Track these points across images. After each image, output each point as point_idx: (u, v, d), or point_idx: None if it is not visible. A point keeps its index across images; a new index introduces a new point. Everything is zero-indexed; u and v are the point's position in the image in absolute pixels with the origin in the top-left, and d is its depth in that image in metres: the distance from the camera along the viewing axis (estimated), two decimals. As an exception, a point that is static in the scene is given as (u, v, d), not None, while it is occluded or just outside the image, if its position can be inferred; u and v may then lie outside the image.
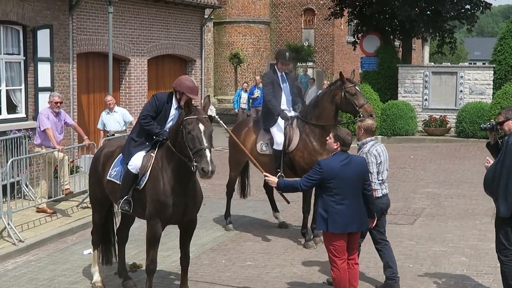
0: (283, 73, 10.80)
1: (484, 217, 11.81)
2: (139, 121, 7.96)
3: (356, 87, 10.15)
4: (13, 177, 11.89)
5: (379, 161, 7.96)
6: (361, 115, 10.09)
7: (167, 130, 7.77)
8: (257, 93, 23.33)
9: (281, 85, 10.66)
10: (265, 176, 7.60)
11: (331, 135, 7.26)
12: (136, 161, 7.72)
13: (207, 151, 6.97)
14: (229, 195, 11.45)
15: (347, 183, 7.07)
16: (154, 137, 7.81)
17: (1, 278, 9.06)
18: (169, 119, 7.88)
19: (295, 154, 10.37)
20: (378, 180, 7.96)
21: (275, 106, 10.53)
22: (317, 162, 7.22)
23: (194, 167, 7.00)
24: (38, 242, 10.55)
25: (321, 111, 10.25)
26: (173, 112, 7.89)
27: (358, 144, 8.16)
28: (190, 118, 7.10)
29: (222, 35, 38.25)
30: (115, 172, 8.03)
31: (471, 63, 31.80)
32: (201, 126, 7.07)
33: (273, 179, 7.42)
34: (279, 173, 10.41)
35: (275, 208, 11.53)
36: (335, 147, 7.19)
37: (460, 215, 12.06)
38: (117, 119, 13.78)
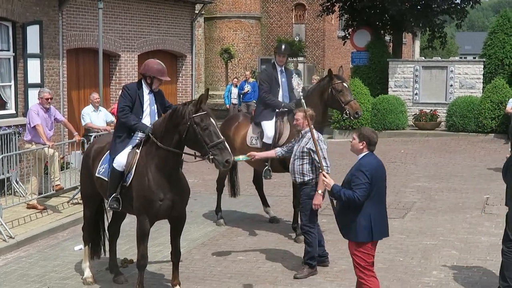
0: (283, 68, 10.81)
1: (474, 211, 11.87)
2: (118, 116, 7.97)
3: (344, 84, 10.17)
4: (3, 174, 11.87)
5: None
6: (347, 112, 10.12)
7: (147, 124, 7.76)
8: (247, 88, 23.34)
9: (280, 81, 10.68)
10: (322, 175, 6.88)
11: (354, 135, 6.70)
12: (121, 159, 7.73)
13: (226, 143, 7.14)
14: (220, 190, 11.47)
15: (383, 185, 6.76)
16: (136, 131, 7.80)
17: (-9, 274, 9.05)
18: (146, 105, 7.90)
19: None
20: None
21: (274, 101, 10.55)
22: (358, 167, 6.55)
23: (211, 160, 7.07)
24: (28, 239, 10.53)
25: (311, 106, 10.26)
26: (146, 97, 7.95)
27: (301, 133, 8.65)
28: (201, 115, 7.13)
29: (213, 30, 38.21)
30: (103, 169, 8.04)
31: (461, 57, 31.83)
32: (213, 120, 7.17)
33: (329, 181, 6.68)
34: (267, 167, 10.43)
35: (265, 203, 11.55)
36: (361, 147, 6.65)
37: (450, 208, 12.11)
38: (102, 117, 13.74)
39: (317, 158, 8.19)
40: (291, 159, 8.73)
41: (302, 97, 8.70)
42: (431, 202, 12.65)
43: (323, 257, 8.87)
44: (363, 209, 6.54)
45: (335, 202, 6.79)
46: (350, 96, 10.21)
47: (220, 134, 7.17)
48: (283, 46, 10.91)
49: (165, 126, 7.40)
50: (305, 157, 8.54)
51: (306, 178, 8.57)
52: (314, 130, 7.93)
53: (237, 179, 11.74)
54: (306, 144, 8.51)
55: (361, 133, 6.67)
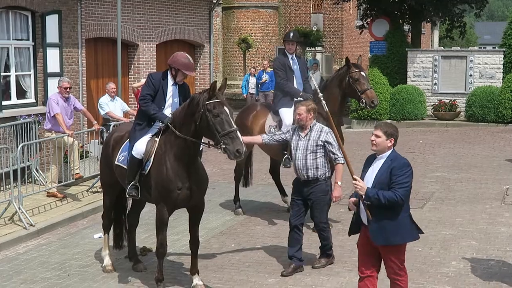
0: (294, 56, 10.78)
1: (493, 201, 11.80)
2: (139, 103, 7.98)
3: (361, 73, 10.10)
4: (23, 162, 11.96)
5: None
6: (364, 101, 10.08)
7: (166, 114, 7.77)
8: (265, 77, 23.30)
9: (293, 68, 10.65)
10: (354, 180, 6.20)
11: (378, 132, 6.17)
12: (140, 147, 7.75)
13: (238, 133, 7.02)
14: (237, 180, 11.49)
15: None
16: (156, 120, 7.82)
17: (12, 261, 9.14)
18: (168, 96, 7.90)
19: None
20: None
21: (292, 89, 10.52)
22: (405, 164, 6.12)
23: (223, 149, 7.00)
24: (48, 226, 10.64)
25: (329, 95, 10.24)
26: (170, 88, 7.93)
27: (310, 127, 8.35)
28: (214, 102, 7.06)
29: (231, 20, 38.14)
30: (123, 157, 8.08)
31: (481, 47, 31.62)
32: (227, 109, 7.07)
33: (362, 185, 6.11)
34: (286, 155, 10.42)
35: (283, 193, 11.54)
36: (390, 144, 6.20)
37: (469, 199, 12.05)
38: (119, 107, 13.78)
39: (332, 150, 8.20)
40: (300, 154, 8.29)
41: (317, 88, 8.53)
42: (450, 193, 12.59)
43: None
44: (404, 208, 6.18)
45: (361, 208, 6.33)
46: (367, 85, 10.14)
47: (232, 123, 7.05)
48: (291, 34, 10.89)
49: (184, 115, 7.38)
50: (319, 151, 8.27)
51: (320, 172, 8.28)
52: (320, 124, 8.13)
53: (251, 169, 11.74)
54: (319, 137, 8.27)
55: (387, 130, 6.18)
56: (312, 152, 8.26)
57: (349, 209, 6.62)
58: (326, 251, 8.60)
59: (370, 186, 6.16)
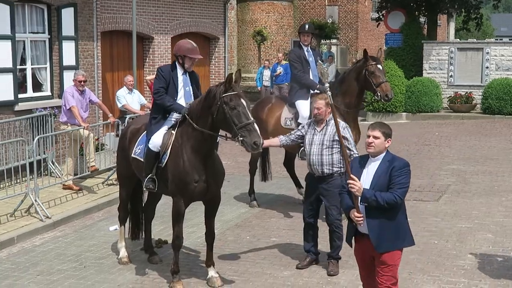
0: (309, 48, 10.76)
1: (510, 194, 11.73)
2: (154, 98, 8.00)
3: (378, 65, 10.02)
4: (39, 155, 12.02)
5: None
6: (378, 94, 10.03)
7: (183, 105, 7.77)
8: (279, 70, 23.25)
9: (308, 60, 10.63)
10: (350, 180, 5.76)
11: (377, 133, 5.83)
12: (157, 139, 7.75)
13: (255, 125, 6.99)
14: (252, 172, 11.49)
15: None
16: (172, 112, 7.82)
17: (29, 253, 9.20)
18: (180, 87, 7.90)
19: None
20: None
21: (309, 81, 10.50)
22: (405, 164, 5.80)
23: (241, 141, 6.98)
24: (64, 219, 10.69)
25: (347, 88, 10.22)
26: (180, 78, 7.94)
27: (326, 121, 8.08)
28: (231, 94, 7.04)
29: (246, 12, 38.07)
30: (139, 150, 8.09)
31: (497, 39, 31.37)
32: (243, 101, 7.04)
33: (359, 186, 5.69)
34: (302, 148, 10.39)
35: (298, 185, 11.52)
36: (387, 145, 5.91)
37: (485, 191, 11.99)
38: (136, 100, 13.82)
39: (348, 146, 7.98)
40: (315, 149, 8.04)
41: (328, 84, 7.76)
42: (466, 185, 12.52)
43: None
44: (402, 209, 5.85)
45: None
46: (382, 78, 10.04)
47: (249, 115, 7.02)
48: (306, 26, 10.88)
49: (201, 108, 7.37)
50: (335, 146, 7.98)
51: (335, 169, 8.03)
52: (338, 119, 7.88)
53: (269, 163, 11.72)
54: (332, 135, 8.00)
55: (385, 131, 5.86)
56: (328, 147, 8.01)
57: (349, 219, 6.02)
58: (337, 254, 8.23)
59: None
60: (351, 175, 5.78)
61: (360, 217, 5.75)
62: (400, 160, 5.87)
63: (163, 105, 7.81)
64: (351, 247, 6.12)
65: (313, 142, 8.10)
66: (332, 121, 7.94)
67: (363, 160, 5.97)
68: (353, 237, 6.02)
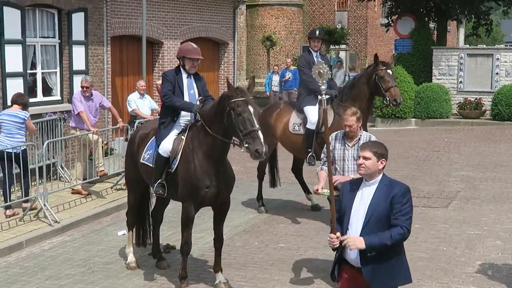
0: (318, 53, 10.76)
1: (519, 201, 11.69)
2: (163, 101, 8.01)
3: (387, 70, 9.96)
4: (48, 159, 12.06)
5: None
6: (387, 99, 9.98)
7: (193, 103, 7.77)
8: (288, 75, 23.25)
9: None
10: (342, 238, 5.17)
11: (368, 153, 5.21)
12: (167, 145, 7.76)
13: (260, 133, 6.92)
14: (260, 178, 11.48)
15: None
16: (182, 111, 7.80)
17: (37, 257, 9.22)
18: (185, 89, 7.91)
19: (328, 135, 10.32)
20: None
21: (317, 86, 10.47)
22: (407, 189, 5.20)
23: (245, 148, 6.95)
24: (73, 223, 10.71)
25: (357, 93, 10.18)
26: (185, 81, 7.95)
27: (357, 138, 7.55)
28: (239, 100, 7.00)
29: (255, 17, 38.14)
30: (148, 155, 8.09)
31: (507, 45, 31.24)
32: (251, 108, 6.99)
33: (356, 242, 5.05)
34: (310, 153, 10.40)
35: (307, 190, 11.51)
36: (381, 167, 5.24)
37: (495, 198, 11.94)
38: (147, 104, 13.85)
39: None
40: (351, 165, 7.50)
41: (324, 86, 6.77)
42: (475, 192, 12.48)
43: None
44: (402, 245, 5.26)
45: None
46: (392, 83, 9.97)
47: (255, 122, 6.94)
48: (317, 31, 10.90)
49: (214, 113, 7.35)
50: None
51: None
52: (365, 132, 7.65)
53: (277, 169, 11.71)
54: None
55: (377, 150, 5.22)
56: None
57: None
58: None
59: (361, 218, 5.13)
60: (339, 235, 5.14)
61: (334, 238, 5.15)
62: (400, 185, 5.24)
63: (173, 106, 7.81)
64: (334, 281, 5.50)
65: (346, 158, 7.57)
66: (364, 135, 7.60)
67: (356, 184, 5.33)
68: (339, 269, 5.37)
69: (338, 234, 5.17)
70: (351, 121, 7.43)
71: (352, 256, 5.18)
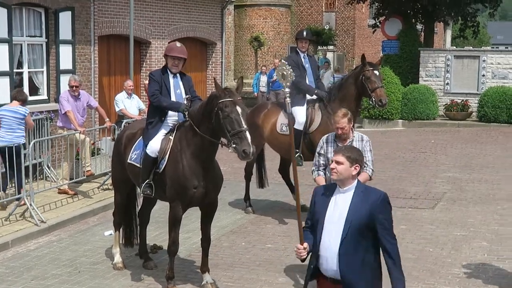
0: (306, 54, 10.78)
1: (505, 202, 11.75)
2: (150, 101, 8.01)
3: (374, 71, 9.94)
4: (35, 159, 12.00)
5: None
6: (373, 100, 9.99)
7: (180, 103, 7.77)
8: (275, 76, 23.25)
9: (305, 66, 10.65)
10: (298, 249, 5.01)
11: (341, 158, 4.92)
12: (154, 145, 7.75)
13: (247, 133, 6.90)
14: (248, 178, 11.49)
15: None
16: (170, 111, 7.80)
17: (23, 258, 9.17)
18: (172, 89, 7.91)
19: (315, 135, 10.35)
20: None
21: (307, 86, 10.53)
22: (385, 195, 4.91)
23: (233, 148, 6.94)
24: (59, 223, 10.67)
25: (345, 94, 10.20)
26: (171, 80, 7.98)
27: (350, 139, 7.35)
28: (226, 101, 6.99)
29: (243, 18, 38.12)
30: (135, 156, 8.08)
31: (493, 47, 31.42)
32: (239, 108, 6.96)
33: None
34: (298, 154, 10.41)
35: (294, 191, 11.51)
36: (354, 172, 4.93)
37: (481, 199, 12.00)
38: (135, 104, 13.83)
39: (366, 162, 7.10)
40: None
41: (288, 89, 6.62)
42: (461, 193, 12.54)
43: None
44: (379, 252, 4.98)
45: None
46: (378, 84, 9.93)
47: (243, 122, 6.92)
48: (304, 32, 10.92)
49: (202, 113, 7.35)
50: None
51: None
52: (356, 132, 7.45)
53: (265, 170, 11.71)
54: (362, 148, 7.23)
55: (350, 155, 4.93)
56: None
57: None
58: None
59: (339, 227, 4.82)
60: (298, 245, 4.99)
61: (301, 249, 4.95)
62: (377, 191, 4.95)
63: (160, 106, 7.82)
64: None
65: None
66: (356, 135, 7.40)
67: (330, 190, 5.03)
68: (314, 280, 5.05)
69: (306, 244, 4.96)
70: (343, 123, 7.22)
71: (330, 268, 4.86)
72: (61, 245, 9.74)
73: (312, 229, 5.01)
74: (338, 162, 4.90)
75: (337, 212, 4.86)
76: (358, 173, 4.96)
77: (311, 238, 4.99)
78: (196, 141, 7.42)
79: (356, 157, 4.93)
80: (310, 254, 5.01)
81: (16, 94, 11.54)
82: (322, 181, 7.33)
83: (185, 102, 7.77)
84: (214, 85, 7.28)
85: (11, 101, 11.60)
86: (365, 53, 10.58)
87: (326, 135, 7.66)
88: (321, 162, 7.47)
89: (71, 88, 12.27)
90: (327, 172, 7.30)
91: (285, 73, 5.86)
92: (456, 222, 10.55)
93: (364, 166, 6.97)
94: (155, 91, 7.85)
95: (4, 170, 10.81)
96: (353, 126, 7.68)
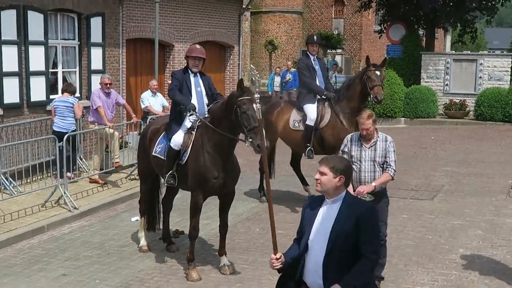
0: (316, 57, 10.79)
1: (499, 194, 11.71)
2: (168, 94, 8.08)
3: (376, 72, 9.85)
4: (68, 151, 12.09)
5: None
6: (371, 96, 9.97)
7: (189, 101, 7.79)
8: (288, 77, 23.24)
9: (315, 68, 10.67)
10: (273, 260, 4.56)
11: (324, 168, 4.40)
12: (178, 139, 7.81)
13: (262, 129, 6.92)
14: (262, 170, 11.52)
15: None
16: (180, 105, 7.83)
17: (58, 240, 9.27)
18: (192, 87, 7.96)
19: (325, 131, 10.38)
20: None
21: (317, 87, 10.55)
22: (373, 209, 4.59)
23: (249, 143, 6.99)
24: (90, 210, 10.76)
25: (352, 93, 10.20)
26: (192, 79, 8.02)
27: (375, 139, 6.94)
28: (244, 99, 7.04)
29: (258, 23, 38.13)
30: (160, 149, 8.13)
31: (490, 52, 31.17)
32: (255, 106, 6.93)
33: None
34: (309, 147, 10.45)
35: (304, 183, 11.55)
36: (339, 184, 4.37)
37: (477, 192, 11.97)
38: (159, 102, 13.90)
39: (387, 160, 6.87)
40: (368, 166, 6.88)
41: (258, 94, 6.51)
42: (459, 186, 12.51)
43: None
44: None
45: None
46: (376, 82, 9.80)
47: (257, 119, 6.90)
48: (314, 37, 10.90)
49: (223, 109, 7.38)
50: (383, 165, 6.90)
51: (385, 185, 6.98)
52: (381, 133, 6.99)
53: (274, 163, 11.72)
54: (385, 148, 6.92)
55: (334, 165, 4.38)
56: (380, 164, 6.88)
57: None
58: (380, 273, 7.18)
59: (324, 240, 4.30)
60: (272, 256, 4.53)
61: (274, 260, 4.47)
62: (365, 204, 4.58)
63: (173, 99, 7.91)
64: None
65: (363, 158, 6.89)
66: (380, 136, 6.98)
67: (318, 202, 4.51)
68: None
69: (279, 255, 4.48)
70: (368, 124, 6.82)
71: (315, 281, 4.33)
72: (92, 230, 9.82)
73: (299, 241, 4.55)
74: (321, 173, 4.39)
75: (323, 224, 4.35)
76: (347, 185, 4.42)
77: (296, 249, 4.53)
78: (215, 136, 7.46)
79: (340, 168, 4.37)
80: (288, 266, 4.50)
81: (66, 87, 12.38)
82: (380, 181, 6.86)
83: (206, 108, 7.82)
84: (237, 84, 7.30)
85: (62, 93, 12.42)
86: (370, 57, 10.55)
87: (350, 134, 7.25)
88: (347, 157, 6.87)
89: (105, 86, 12.36)
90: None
91: (253, 78, 5.63)
92: (454, 212, 10.54)
93: (388, 168, 6.81)
94: (174, 87, 7.92)
95: (69, 153, 11.17)
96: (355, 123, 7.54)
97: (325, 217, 4.36)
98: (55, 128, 11.85)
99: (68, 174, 11.20)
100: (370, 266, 4.27)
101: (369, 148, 6.91)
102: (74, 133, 12.09)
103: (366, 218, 4.26)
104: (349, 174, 4.45)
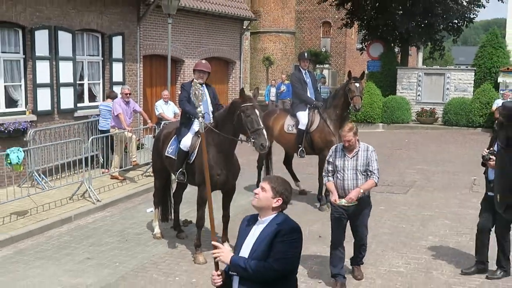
0: (307, 71, 10.78)
1: (463, 189, 11.70)
2: (178, 104, 8.08)
3: (355, 84, 9.77)
4: (92, 151, 12.08)
5: None
6: (351, 105, 9.94)
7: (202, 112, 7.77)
8: (282, 88, 23.22)
9: (306, 81, 10.66)
10: (213, 247, 3.88)
11: (266, 185, 3.81)
12: (187, 141, 7.81)
13: (264, 130, 7.00)
14: (259, 168, 11.52)
15: None
16: (189, 116, 7.80)
17: (83, 229, 9.25)
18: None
19: (314, 134, 10.38)
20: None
21: (307, 98, 10.56)
22: (294, 229, 3.68)
23: (253, 143, 6.99)
24: (111, 202, 10.74)
25: (337, 102, 10.20)
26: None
27: (356, 149, 6.66)
28: (248, 105, 7.03)
29: (257, 42, 38.09)
30: (171, 150, 8.12)
31: (456, 67, 31.18)
32: (257, 111, 7.02)
33: (223, 252, 3.76)
34: (300, 148, 10.45)
35: (295, 179, 11.55)
36: (276, 205, 3.75)
37: (444, 187, 11.96)
38: (171, 109, 13.88)
39: (369, 168, 6.61)
40: (351, 175, 6.60)
41: (201, 108, 5.55)
42: (428, 182, 12.49)
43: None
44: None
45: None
46: (356, 93, 9.73)
47: (260, 122, 7.00)
48: (305, 54, 10.86)
49: (226, 114, 7.39)
50: (365, 173, 6.64)
51: (367, 193, 6.70)
52: (362, 143, 6.69)
53: (271, 162, 11.70)
54: (367, 157, 6.64)
55: (276, 187, 3.76)
56: (362, 172, 6.60)
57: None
58: (361, 260, 7.15)
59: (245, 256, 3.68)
60: (213, 242, 3.91)
61: (215, 276, 3.79)
62: (289, 223, 3.69)
63: (183, 109, 7.90)
64: None
65: (346, 167, 6.62)
66: (362, 146, 6.67)
67: (253, 220, 3.89)
68: None
69: (220, 271, 3.81)
70: (349, 136, 6.55)
71: None
72: (112, 219, 9.81)
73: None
74: (262, 188, 3.80)
75: (247, 243, 3.75)
76: (282, 209, 3.78)
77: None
78: (219, 139, 7.46)
79: (281, 191, 3.76)
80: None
81: (109, 94, 13.19)
82: (331, 186, 6.70)
83: (211, 116, 7.78)
84: (239, 93, 7.29)
85: (105, 99, 13.34)
86: (353, 71, 10.53)
87: (335, 145, 6.97)
88: (330, 169, 6.75)
89: (125, 95, 12.35)
90: (335, 178, 6.71)
91: (196, 92, 5.16)
92: (424, 205, 10.53)
93: (372, 175, 6.58)
94: (183, 97, 7.91)
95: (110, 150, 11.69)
96: (339, 128, 7.54)
97: (251, 236, 3.75)
98: (99, 127, 12.73)
99: (104, 170, 11.86)
100: (262, 270, 3.57)
101: (351, 158, 6.63)
102: (96, 136, 12.12)
103: (281, 235, 3.60)
104: (287, 198, 3.76)
